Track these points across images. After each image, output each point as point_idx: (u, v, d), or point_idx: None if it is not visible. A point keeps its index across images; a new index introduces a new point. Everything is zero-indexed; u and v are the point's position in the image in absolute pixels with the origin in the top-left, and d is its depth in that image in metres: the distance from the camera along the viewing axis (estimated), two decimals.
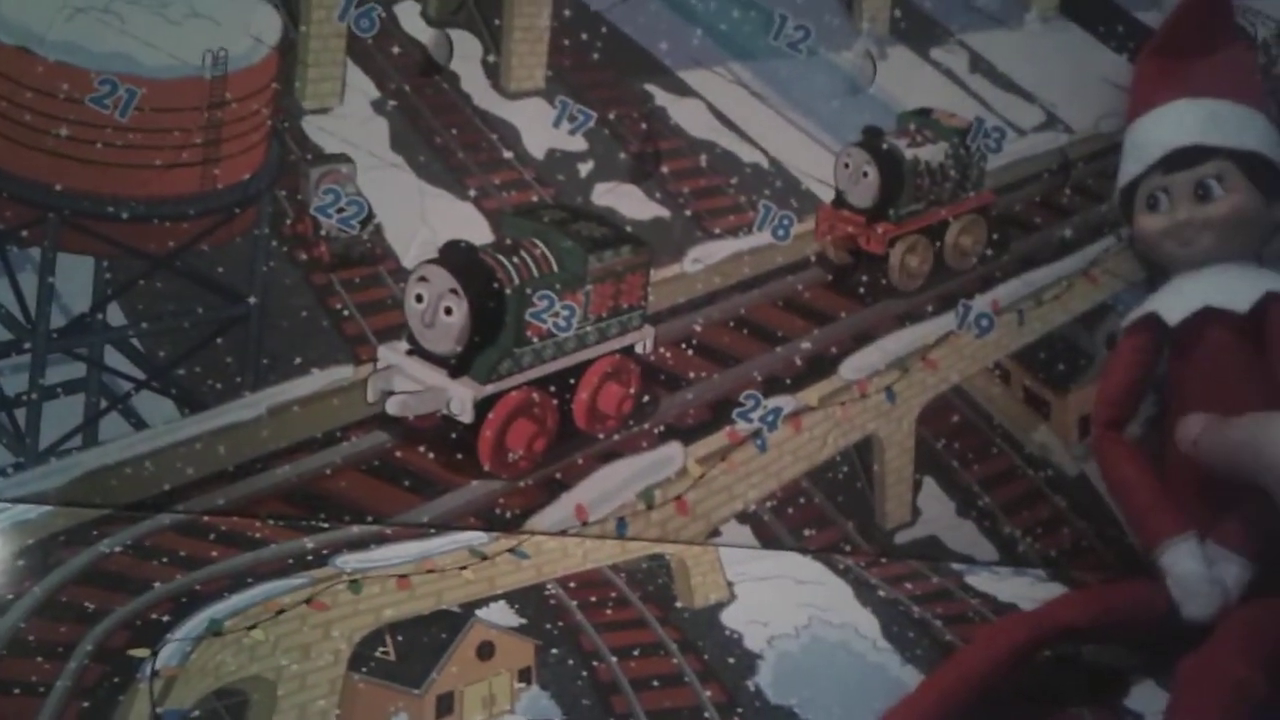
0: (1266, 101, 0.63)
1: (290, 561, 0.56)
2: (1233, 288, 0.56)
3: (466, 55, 0.60)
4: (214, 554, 0.55)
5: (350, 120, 0.59)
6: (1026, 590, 0.60)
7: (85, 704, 0.49)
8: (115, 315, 0.57)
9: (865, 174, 0.63)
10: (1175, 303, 0.57)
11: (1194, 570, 0.51)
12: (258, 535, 0.56)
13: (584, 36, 0.61)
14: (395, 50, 0.59)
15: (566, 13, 0.60)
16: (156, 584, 0.53)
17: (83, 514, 0.55)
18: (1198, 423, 0.53)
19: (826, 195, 0.63)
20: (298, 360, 0.58)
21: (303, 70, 0.58)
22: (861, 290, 0.63)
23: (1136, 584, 0.54)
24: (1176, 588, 0.52)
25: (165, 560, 0.55)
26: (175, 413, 0.57)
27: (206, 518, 0.56)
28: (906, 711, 0.48)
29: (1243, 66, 0.62)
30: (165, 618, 0.52)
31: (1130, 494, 0.55)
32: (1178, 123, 0.59)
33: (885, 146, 0.63)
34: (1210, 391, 0.55)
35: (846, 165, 0.63)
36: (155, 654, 0.51)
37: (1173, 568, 0.52)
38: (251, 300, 0.58)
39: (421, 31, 0.60)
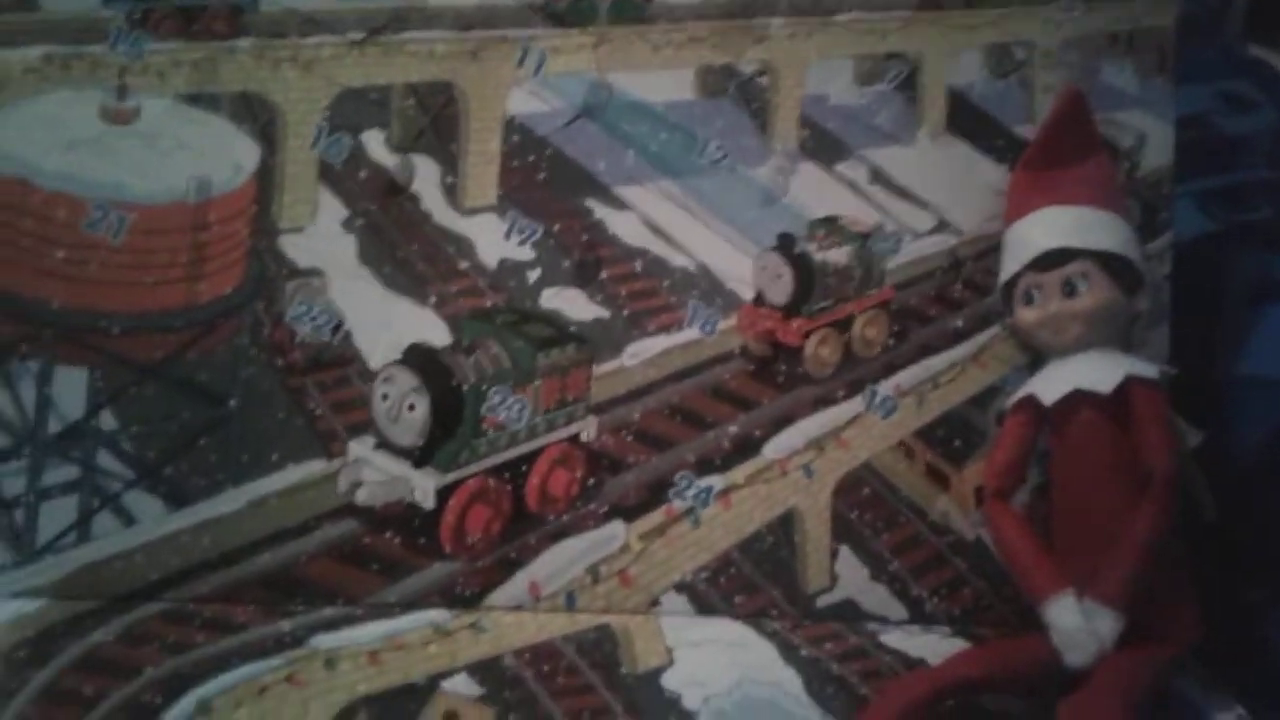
0: (1127, 205, 0.70)
1: (270, 643, 0.60)
2: (1099, 372, 0.61)
3: (427, 177, 0.66)
4: (200, 638, 0.59)
5: (322, 237, 0.64)
6: (934, 646, 0.64)
7: None
8: (107, 420, 0.61)
9: (781, 275, 0.69)
10: (1050, 385, 0.62)
11: (1073, 623, 0.56)
12: (240, 620, 0.60)
13: (531, 158, 0.67)
14: (363, 174, 0.65)
15: (515, 138, 0.67)
16: (148, 669, 0.57)
17: (78, 606, 0.59)
18: None
19: (747, 294, 0.69)
20: (275, 456, 0.62)
21: (279, 193, 0.64)
22: (780, 379, 0.69)
23: (1027, 638, 0.59)
24: (1059, 639, 0.56)
25: (155, 646, 0.58)
26: (163, 509, 0.61)
27: (192, 605, 0.60)
28: None
29: (1105, 175, 0.67)
30: (157, 700, 0.56)
31: (1016, 556, 0.60)
32: (1047, 227, 0.64)
33: (798, 250, 0.69)
34: (1082, 465, 0.62)
35: (764, 268, 0.69)
36: None
37: (1055, 621, 0.57)
38: (232, 403, 0.63)
39: (386, 157, 0.66)
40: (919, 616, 0.67)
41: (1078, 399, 0.62)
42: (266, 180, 0.63)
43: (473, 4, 0.67)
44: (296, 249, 0.64)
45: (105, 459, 0.61)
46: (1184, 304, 0.71)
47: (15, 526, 0.60)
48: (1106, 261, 0.63)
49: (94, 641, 0.58)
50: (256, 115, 0.64)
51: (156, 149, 0.62)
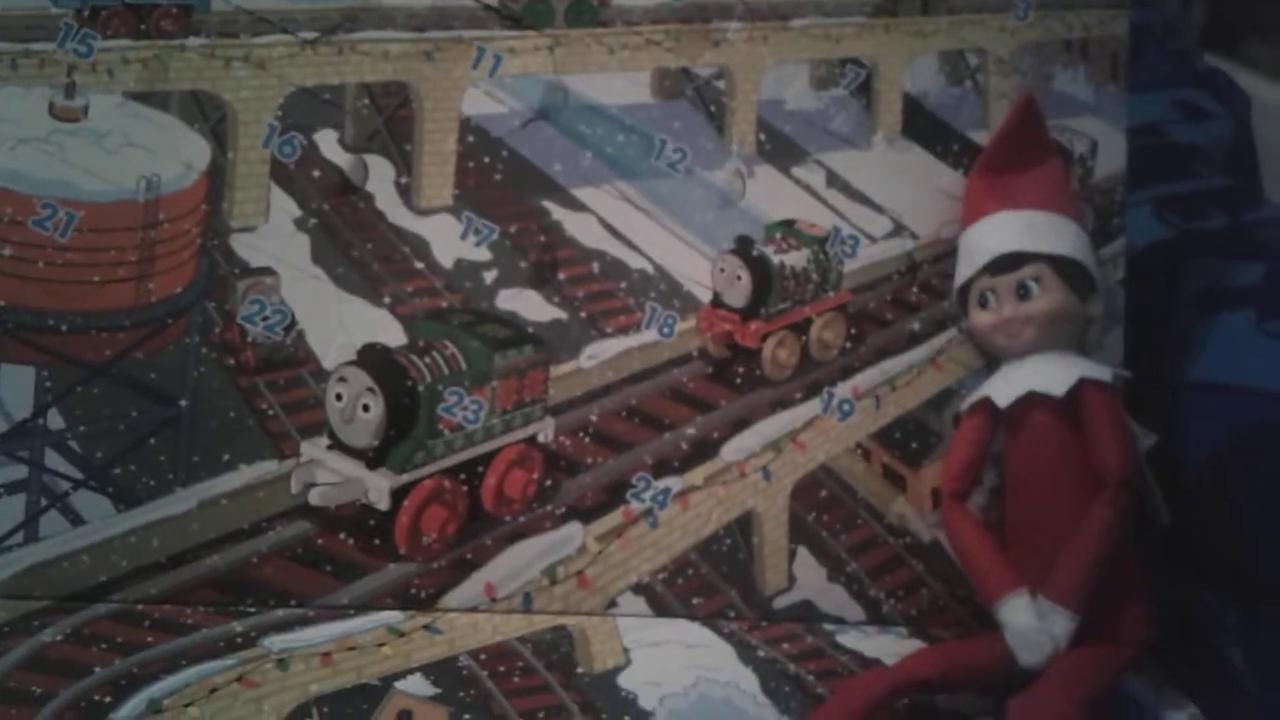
0: (1080, 210, 0.71)
1: (221, 644, 0.59)
2: (1052, 374, 0.62)
3: (381, 177, 0.66)
4: (149, 639, 0.59)
5: (274, 237, 0.64)
6: (890, 647, 0.65)
7: None
8: (55, 420, 0.61)
9: (739, 278, 0.70)
10: (1004, 388, 0.63)
11: (1026, 623, 0.57)
12: (189, 621, 0.60)
13: (486, 159, 0.67)
14: (315, 173, 0.65)
15: (471, 139, 0.67)
16: (97, 669, 0.57)
17: (25, 606, 0.58)
18: None
19: (705, 296, 0.69)
20: (226, 457, 0.62)
21: (230, 192, 0.64)
22: (738, 381, 0.69)
23: (981, 638, 0.60)
24: (1012, 638, 0.57)
25: (104, 646, 0.58)
26: (111, 509, 0.61)
27: (141, 606, 0.60)
28: None
29: (1059, 180, 0.68)
30: (107, 699, 0.56)
31: (972, 557, 0.61)
32: (1001, 231, 0.65)
33: (755, 253, 0.70)
34: (1036, 467, 0.63)
35: (722, 270, 0.70)
36: None
37: (1008, 621, 0.58)
38: (182, 403, 0.62)
39: (339, 156, 0.66)
40: (876, 617, 0.68)
41: (1032, 401, 0.63)
42: (218, 179, 0.63)
43: (427, 4, 0.67)
44: (248, 248, 0.64)
45: (53, 458, 0.61)
46: (1137, 309, 0.72)
47: None
48: (1060, 265, 0.65)
49: (42, 641, 0.58)
50: (207, 114, 0.64)
51: (105, 147, 0.62)
